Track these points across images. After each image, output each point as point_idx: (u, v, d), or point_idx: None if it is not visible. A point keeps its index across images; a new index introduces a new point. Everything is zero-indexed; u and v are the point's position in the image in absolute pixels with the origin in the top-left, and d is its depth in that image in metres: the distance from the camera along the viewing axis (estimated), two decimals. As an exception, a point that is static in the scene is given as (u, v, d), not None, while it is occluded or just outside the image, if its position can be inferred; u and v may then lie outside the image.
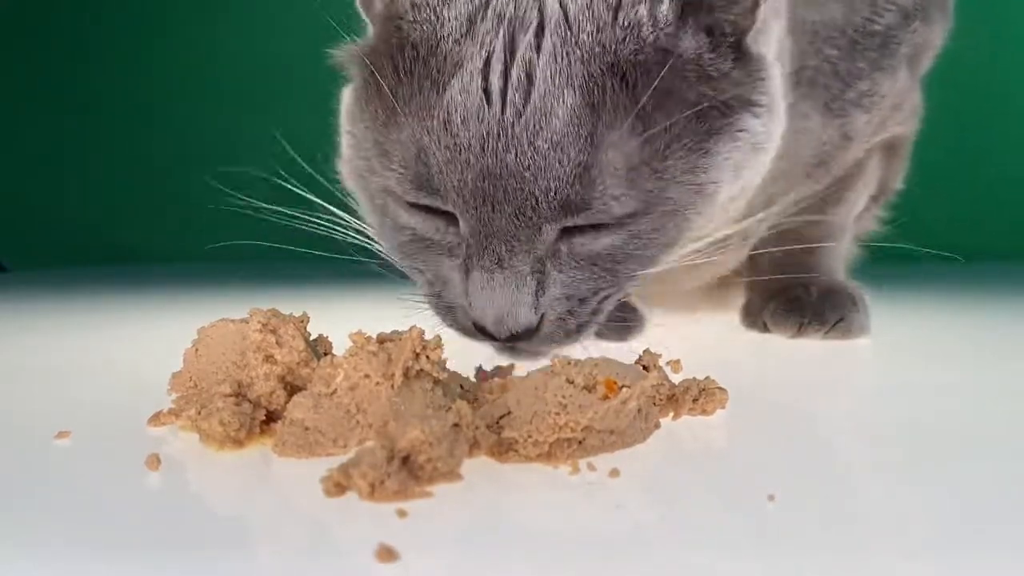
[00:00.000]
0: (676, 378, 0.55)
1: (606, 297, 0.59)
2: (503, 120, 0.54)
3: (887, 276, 0.93)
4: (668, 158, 0.56)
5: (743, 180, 0.61)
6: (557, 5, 0.56)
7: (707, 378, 0.54)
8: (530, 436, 0.45)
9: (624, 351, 0.56)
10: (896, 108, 0.82)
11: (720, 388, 0.54)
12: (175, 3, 2.06)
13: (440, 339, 0.48)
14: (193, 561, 0.34)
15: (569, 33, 0.55)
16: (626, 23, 0.55)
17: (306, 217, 0.65)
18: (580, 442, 0.45)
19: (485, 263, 0.55)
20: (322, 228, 0.65)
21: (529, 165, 0.54)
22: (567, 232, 0.56)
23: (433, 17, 0.57)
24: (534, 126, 0.54)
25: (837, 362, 0.77)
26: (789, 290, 0.84)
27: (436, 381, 0.47)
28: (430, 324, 0.56)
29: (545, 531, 0.37)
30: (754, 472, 0.45)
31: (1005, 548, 0.35)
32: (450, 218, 0.58)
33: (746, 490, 0.41)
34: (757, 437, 0.51)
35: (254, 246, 0.71)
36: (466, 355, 0.56)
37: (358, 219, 0.66)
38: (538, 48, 0.55)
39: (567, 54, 0.55)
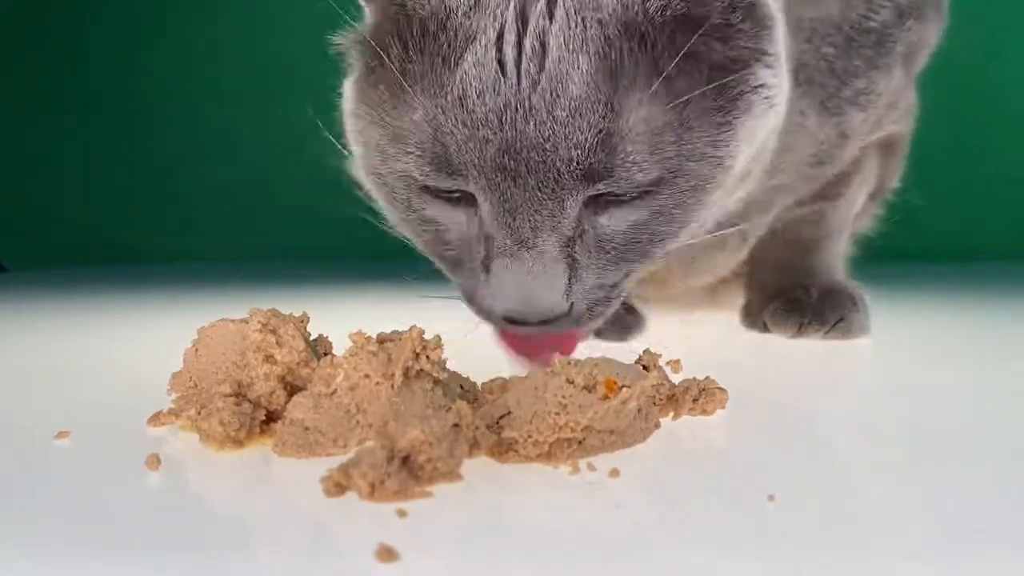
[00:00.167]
0: (676, 378, 0.55)
1: (628, 274, 0.58)
2: (520, 91, 0.52)
3: (887, 276, 0.93)
4: (691, 124, 0.55)
5: (756, 144, 0.60)
6: None
7: (707, 378, 0.54)
8: (530, 436, 0.45)
9: (624, 351, 0.56)
10: (892, 106, 0.82)
11: (720, 388, 0.54)
12: (175, 3, 2.06)
13: (440, 339, 0.48)
14: (193, 561, 0.34)
15: None
16: None
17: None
18: (580, 442, 0.45)
19: (509, 245, 0.54)
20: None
21: (549, 135, 0.52)
22: (591, 210, 0.55)
23: None
24: (551, 95, 0.52)
25: (837, 362, 0.77)
26: (789, 290, 0.84)
27: (436, 381, 0.47)
28: (430, 324, 0.56)
29: (545, 531, 0.37)
30: (754, 472, 0.45)
31: (1005, 548, 0.35)
32: (471, 204, 0.56)
33: (746, 490, 0.41)
34: (757, 437, 0.51)
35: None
36: (466, 355, 0.56)
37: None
38: (551, 15, 0.53)
39: (582, 20, 0.53)
